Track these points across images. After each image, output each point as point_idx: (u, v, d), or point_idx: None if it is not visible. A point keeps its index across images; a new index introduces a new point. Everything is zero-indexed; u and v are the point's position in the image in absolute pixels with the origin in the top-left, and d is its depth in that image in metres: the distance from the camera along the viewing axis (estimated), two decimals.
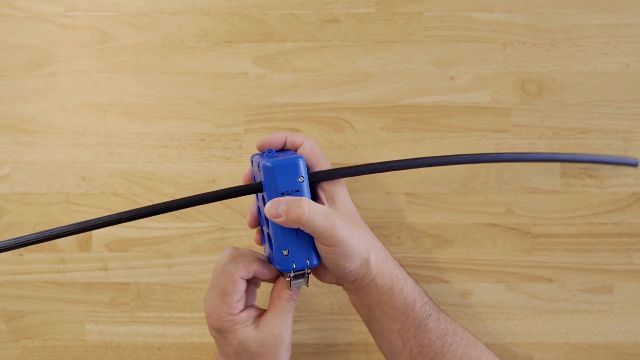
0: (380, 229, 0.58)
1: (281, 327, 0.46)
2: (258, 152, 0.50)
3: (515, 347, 0.58)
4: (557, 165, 0.58)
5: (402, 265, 0.49)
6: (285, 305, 0.47)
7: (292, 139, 0.49)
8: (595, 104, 0.58)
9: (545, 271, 0.58)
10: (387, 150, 0.58)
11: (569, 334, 0.58)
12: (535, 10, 0.58)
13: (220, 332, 0.46)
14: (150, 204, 0.58)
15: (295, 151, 0.49)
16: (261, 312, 0.48)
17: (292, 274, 0.46)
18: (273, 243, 0.46)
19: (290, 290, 0.47)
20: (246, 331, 0.46)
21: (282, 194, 0.45)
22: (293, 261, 0.46)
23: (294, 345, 0.58)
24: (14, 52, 0.58)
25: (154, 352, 0.58)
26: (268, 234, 0.48)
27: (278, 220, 0.44)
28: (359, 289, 0.47)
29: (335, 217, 0.44)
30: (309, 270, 0.46)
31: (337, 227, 0.44)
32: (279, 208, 0.44)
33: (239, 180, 0.58)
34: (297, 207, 0.44)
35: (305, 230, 0.44)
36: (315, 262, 0.46)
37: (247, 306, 0.48)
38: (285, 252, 0.45)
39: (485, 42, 0.58)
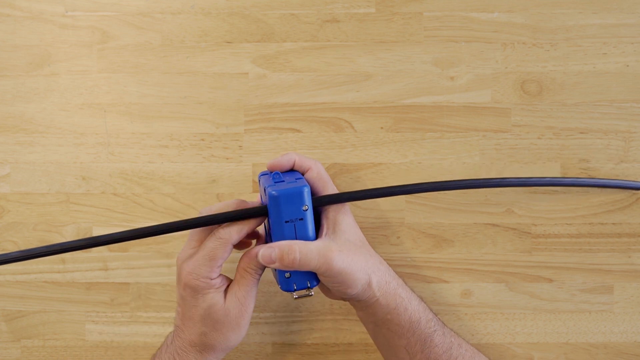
0: (380, 229, 0.58)
1: (246, 299, 0.48)
2: (267, 170, 0.52)
3: (515, 347, 0.58)
4: (557, 164, 0.58)
5: (405, 283, 0.50)
6: (251, 278, 0.48)
7: (301, 162, 0.51)
8: (595, 104, 0.58)
9: (545, 271, 0.58)
10: (387, 150, 0.58)
11: (569, 333, 0.58)
12: (535, 10, 0.58)
13: (194, 292, 0.47)
14: (150, 204, 0.58)
15: (303, 174, 0.51)
16: (229, 282, 0.49)
17: (295, 295, 0.49)
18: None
19: (257, 264, 0.48)
20: (216, 296, 0.47)
21: (286, 222, 0.47)
22: (294, 283, 0.48)
23: (294, 345, 0.58)
24: (14, 52, 0.58)
25: (154, 352, 0.58)
26: None
27: (273, 266, 0.46)
28: (364, 307, 0.49)
29: (330, 252, 0.46)
30: (311, 292, 0.49)
31: (333, 261, 0.46)
32: (272, 255, 0.46)
33: (239, 181, 0.58)
34: (288, 254, 0.46)
35: (303, 270, 0.47)
36: (315, 283, 0.49)
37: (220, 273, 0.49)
38: (287, 275, 0.48)
39: (485, 42, 0.58)
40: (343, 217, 0.49)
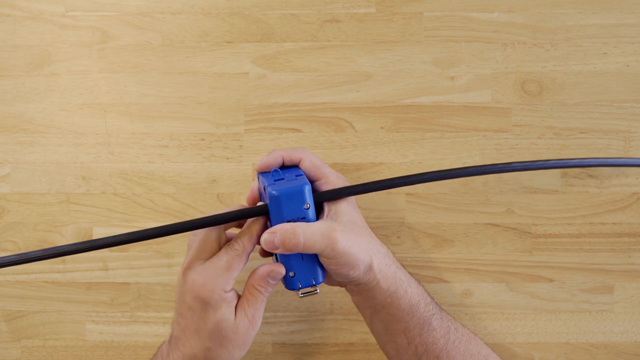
0: (381, 228, 0.58)
1: (254, 317, 0.47)
2: (256, 171, 0.51)
3: (516, 347, 0.58)
4: None
5: (404, 266, 0.50)
6: (260, 296, 0.47)
7: (289, 155, 0.50)
8: (595, 104, 0.58)
9: (545, 271, 0.58)
10: (387, 150, 0.58)
11: (569, 333, 0.58)
12: (535, 10, 0.58)
13: (205, 305, 0.46)
14: (150, 203, 0.58)
15: (297, 166, 0.50)
16: (238, 297, 0.48)
17: (300, 293, 0.48)
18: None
19: (266, 282, 0.47)
20: (227, 312, 0.46)
21: (288, 222, 0.46)
22: (299, 281, 0.47)
23: (294, 345, 0.58)
24: (14, 52, 0.58)
25: (154, 352, 0.58)
26: (275, 255, 0.49)
27: (277, 251, 0.45)
28: (363, 292, 0.48)
29: (334, 232, 0.45)
30: (317, 290, 0.48)
31: (337, 242, 0.45)
32: (274, 241, 0.45)
33: (239, 181, 0.58)
34: (292, 238, 0.45)
35: (307, 253, 0.46)
36: (321, 280, 0.48)
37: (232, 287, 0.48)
38: (291, 274, 0.47)
39: (486, 42, 0.58)
40: (344, 200, 0.48)
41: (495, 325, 0.58)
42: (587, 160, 0.54)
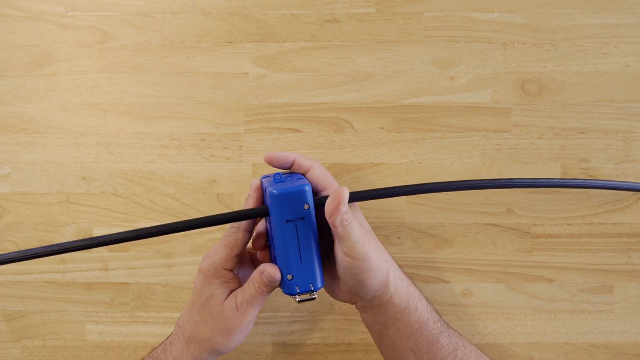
0: (380, 229, 0.58)
1: (243, 306, 0.47)
2: (265, 162, 0.51)
3: (516, 347, 0.58)
4: (557, 165, 0.58)
5: (411, 277, 0.51)
6: (254, 290, 0.47)
7: (301, 161, 0.50)
8: (595, 104, 0.58)
9: (545, 271, 0.58)
10: (387, 150, 0.58)
11: (569, 333, 0.58)
12: (535, 10, 0.58)
13: (204, 278, 0.48)
14: (150, 204, 0.58)
15: (304, 175, 0.50)
16: (239, 287, 0.49)
17: (297, 298, 0.47)
18: (278, 267, 0.48)
19: (262, 280, 0.47)
20: (219, 290, 0.48)
21: (287, 222, 0.46)
22: (297, 285, 0.47)
23: (294, 345, 0.58)
24: (15, 52, 0.58)
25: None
26: (274, 257, 0.49)
27: (330, 210, 0.44)
28: (375, 307, 0.48)
29: (366, 232, 0.46)
30: (314, 295, 0.47)
31: (366, 241, 0.46)
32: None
33: (239, 181, 0.58)
34: (343, 206, 0.44)
35: (340, 234, 0.45)
36: (319, 285, 0.47)
37: (235, 274, 0.50)
38: (289, 277, 0.47)
39: (486, 42, 0.58)
40: (356, 213, 0.49)
41: (495, 325, 0.58)
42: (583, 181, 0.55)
